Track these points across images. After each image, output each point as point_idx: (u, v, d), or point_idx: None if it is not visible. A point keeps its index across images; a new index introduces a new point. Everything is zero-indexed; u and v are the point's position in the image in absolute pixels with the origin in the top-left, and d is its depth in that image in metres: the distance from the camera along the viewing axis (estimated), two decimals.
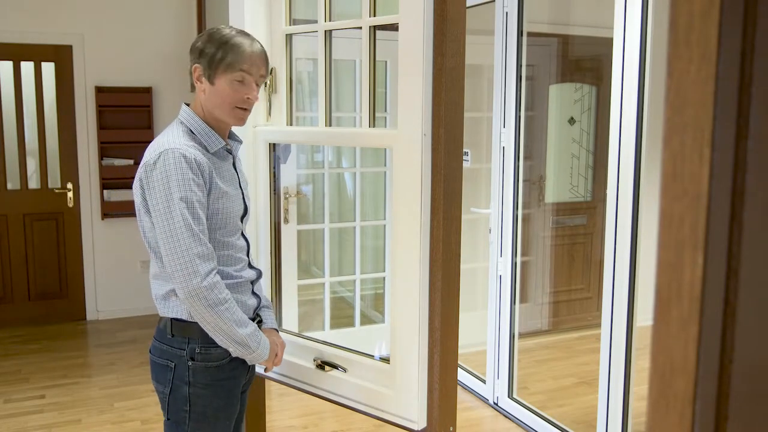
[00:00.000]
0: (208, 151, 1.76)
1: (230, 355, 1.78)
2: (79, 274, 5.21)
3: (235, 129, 1.94)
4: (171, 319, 1.76)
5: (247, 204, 1.88)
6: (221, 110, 1.76)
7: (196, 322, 1.73)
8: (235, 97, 1.75)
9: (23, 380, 4.08)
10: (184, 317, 1.75)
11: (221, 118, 1.78)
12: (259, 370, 2.23)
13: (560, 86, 4.61)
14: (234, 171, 1.85)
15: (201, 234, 1.66)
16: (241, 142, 1.95)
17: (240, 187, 1.86)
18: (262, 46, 1.80)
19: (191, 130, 1.76)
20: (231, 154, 1.85)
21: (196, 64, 1.76)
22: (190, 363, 1.75)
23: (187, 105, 1.83)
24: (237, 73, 1.73)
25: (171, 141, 1.69)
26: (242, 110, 1.78)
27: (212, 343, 1.75)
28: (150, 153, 1.70)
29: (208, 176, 1.71)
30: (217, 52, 1.73)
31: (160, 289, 1.77)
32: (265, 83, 2.11)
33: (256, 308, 1.89)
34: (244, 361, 1.84)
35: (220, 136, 1.80)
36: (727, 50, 0.47)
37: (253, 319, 1.86)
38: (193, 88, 1.83)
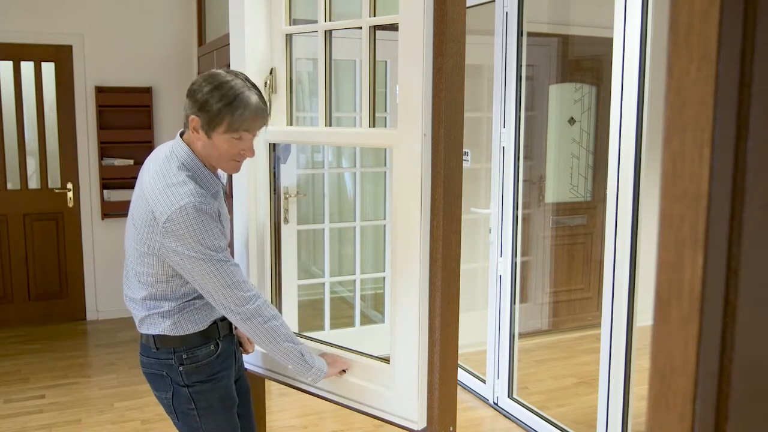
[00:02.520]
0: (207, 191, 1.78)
1: (217, 350, 1.88)
2: (79, 274, 5.21)
3: None
4: (153, 335, 1.84)
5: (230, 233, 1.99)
6: (217, 161, 1.77)
7: (178, 335, 1.82)
8: (231, 152, 1.74)
9: (23, 380, 4.08)
10: (165, 333, 1.82)
11: (219, 167, 1.80)
12: (253, 367, 2.23)
13: (560, 86, 4.61)
14: (225, 206, 1.91)
15: (235, 267, 1.74)
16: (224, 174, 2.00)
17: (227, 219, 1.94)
18: (263, 98, 1.77)
19: (193, 177, 1.75)
20: (223, 190, 1.90)
21: (195, 116, 1.71)
22: (180, 368, 1.84)
23: (181, 137, 1.80)
24: (236, 133, 1.72)
25: (184, 195, 1.68)
26: (237, 162, 1.79)
27: (196, 346, 1.85)
28: (162, 206, 1.68)
29: (217, 218, 1.75)
30: (219, 113, 1.68)
31: (139, 313, 1.85)
32: (266, 83, 2.11)
33: None
34: (231, 353, 1.95)
35: (215, 175, 1.82)
36: (727, 50, 0.47)
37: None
38: (186, 126, 1.78)
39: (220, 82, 1.70)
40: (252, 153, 1.78)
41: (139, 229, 1.73)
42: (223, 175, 1.98)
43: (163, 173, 1.73)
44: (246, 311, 1.74)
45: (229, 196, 2.03)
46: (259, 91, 1.77)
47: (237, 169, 1.81)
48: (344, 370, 1.98)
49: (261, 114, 1.74)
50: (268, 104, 1.81)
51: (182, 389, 1.84)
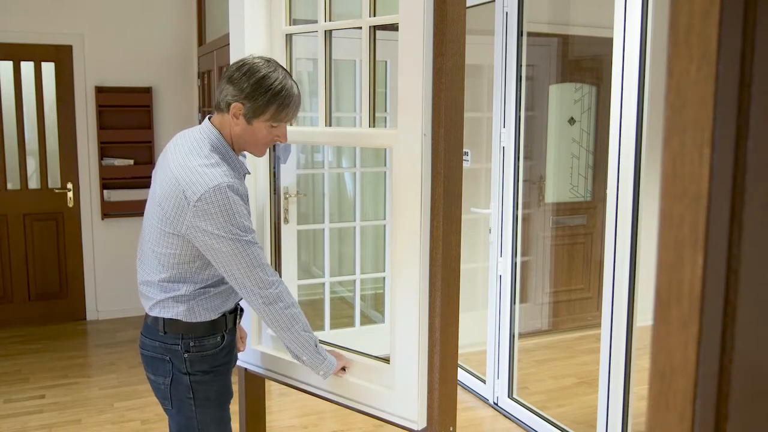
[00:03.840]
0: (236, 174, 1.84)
1: (223, 342, 1.89)
2: (79, 274, 5.21)
3: None
4: (163, 318, 1.84)
5: None
6: (252, 147, 1.85)
7: (189, 321, 1.82)
8: (268, 138, 1.83)
9: (23, 380, 4.08)
10: (177, 317, 1.82)
11: (249, 151, 1.87)
12: (253, 367, 2.23)
13: (560, 86, 4.61)
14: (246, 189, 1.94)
15: (261, 249, 1.78)
16: (245, 157, 2.06)
17: None
18: (297, 85, 1.85)
19: (224, 159, 1.81)
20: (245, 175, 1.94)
21: (239, 103, 1.77)
22: (185, 355, 1.84)
23: (209, 120, 1.85)
24: (276, 122, 1.81)
25: (218, 174, 1.72)
26: (269, 146, 1.88)
27: (205, 335, 1.85)
28: (195, 185, 1.71)
29: (246, 200, 1.82)
30: (267, 104, 1.77)
31: (156, 296, 1.84)
32: None
33: (238, 300, 1.99)
34: (233, 347, 1.96)
35: (239, 159, 1.88)
36: (727, 50, 0.47)
37: (235, 309, 1.96)
38: (218, 109, 1.83)
39: (265, 74, 1.77)
40: (285, 139, 1.87)
41: (166, 209, 1.74)
42: (243, 160, 2.02)
43: (195, 154, 1.77)
44: (270, 294, 1.76)
45: None
46: (292, 78, 1.85)
47: (264, 153, 1.90)
48: (344, 368, 1.98)
49: (300, 104, 1.85)
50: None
51: (183, 377, 1.85)
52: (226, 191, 1.70)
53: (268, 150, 1.94)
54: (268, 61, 1.81)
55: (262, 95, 1.75)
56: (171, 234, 1.75)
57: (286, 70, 1.83)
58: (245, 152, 1.97)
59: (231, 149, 1.82)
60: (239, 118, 1.78)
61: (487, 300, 3.71)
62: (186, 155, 1.77)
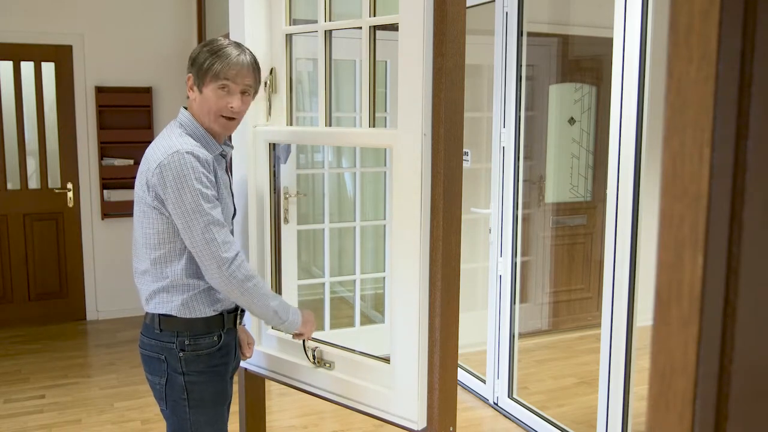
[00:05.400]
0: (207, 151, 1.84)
1: (219, 342, 1.88)
2: (79, 274, 5.21)
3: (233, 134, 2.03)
4: (158, 315, 1.83)
5: (234, 205, 2.00)
6: (208, 118, 1.84)
7: (183, 317, 1.82)
8: (219, 105, 1.82)
9: (23, 380, 4.08)
10: (172, 313, 1.82)
11: (208, 125, 1.85)
12: (253, 367, 2.23)
13: (560, 86, 4.61)
14: (227, 175, 1.95)
15: (221, 224, 1.76)
16: (232, 147, 2.04)
17: (230, 190, 1.97)
18: (252, 57, 1.86)
19: (192, 134, 1.83)
20: (225, 158, 1.94)
21: (189, 74, 1.84)
22: (180, 354, 1.83)
23: (185, 108, 1.89)
24: (221, 82, 1.80)
25: (178, 143, 1.76)
26: (227, 119, 1.84)
27: (201, 334, 1.85)
28: (157, 155, 1.76)
29: (213, 175, 1.80)
30: (205, 62, 1.80)
31: (149, 287, 1.84)
32: (266, 83, 2.12)
33: None
34: (231, 348, 1.95)
35: (216, 141, 1.88)
36: (727, 50, 0.47)
37: (235, 309, 1.95)
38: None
39: (210, 41, 1.85)
40: (239, 107, 1.83)
41: (142, 185, 1.79)
42: (230, 150, 2.02)
43: (163, 135, 1.83)
44: (225, 273, 1.74)
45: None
46: (251, 54, 1.86)
47: (227, 129, 1.87)
48: (302, 335, 1.98)
49: (244, 64, 1.82)
50: (257, 65, 1.89)
51: (178, 377, 1.83)
52: (184, 155, 1.72)
53: (234, 126, 1.89)
54: (230, 40, 1.87)
55: (203, 56, 1.80)
56: (150, 209, 1.78)
57: (242, 45, 1.86)
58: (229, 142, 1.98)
59: (202, 128, 1.85)
60: (194, 90, 1.83)
61: (487, 300, 3.71)
62: (159, 138, 1.83)
